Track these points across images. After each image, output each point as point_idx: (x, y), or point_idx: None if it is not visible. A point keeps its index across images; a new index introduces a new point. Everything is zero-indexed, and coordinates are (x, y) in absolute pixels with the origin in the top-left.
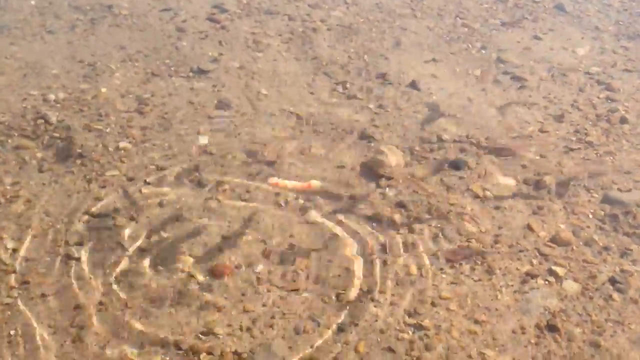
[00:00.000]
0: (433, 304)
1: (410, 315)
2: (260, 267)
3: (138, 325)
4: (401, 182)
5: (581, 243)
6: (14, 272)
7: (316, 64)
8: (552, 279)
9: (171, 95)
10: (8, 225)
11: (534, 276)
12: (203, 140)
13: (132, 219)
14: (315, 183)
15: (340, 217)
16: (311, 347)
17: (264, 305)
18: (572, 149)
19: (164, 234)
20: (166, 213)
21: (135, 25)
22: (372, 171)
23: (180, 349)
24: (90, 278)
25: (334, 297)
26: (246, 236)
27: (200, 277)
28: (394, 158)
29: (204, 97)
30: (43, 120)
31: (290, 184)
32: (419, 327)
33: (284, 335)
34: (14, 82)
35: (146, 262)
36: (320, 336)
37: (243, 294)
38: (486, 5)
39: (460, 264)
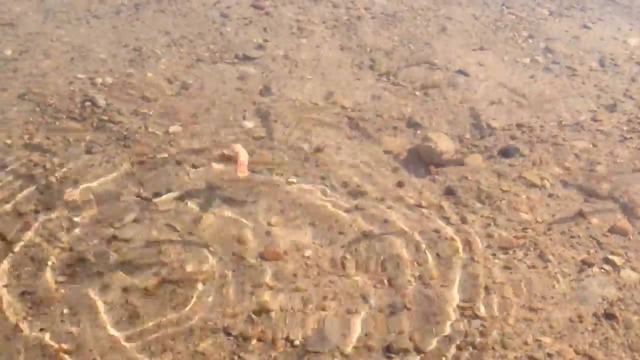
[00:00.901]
0: (487, 290)
1: (465, 301)
2: (309, 252)
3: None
4: (450, 169)
5: (638, 232)
6: (70, 250)
7: (361, 51)
8: (609, 267)
9: (217, 80)
10: (61, 206)
11: (590, 264)
12: (249, 124)
13: (179, 199)
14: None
15: (390, 203)
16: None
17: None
18: (625, 138)
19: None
20: (214, 195)
21: (179, 10)
22: (420, 158)
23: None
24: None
25: (385, 282)
26: (294, 221)
27: (252, 260)
28: (443, 145)
29: (250, 83)
30: (91, 104)
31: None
32: (474, 315)
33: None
34: (61, 65)
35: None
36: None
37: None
38: None
39: (514, 251)
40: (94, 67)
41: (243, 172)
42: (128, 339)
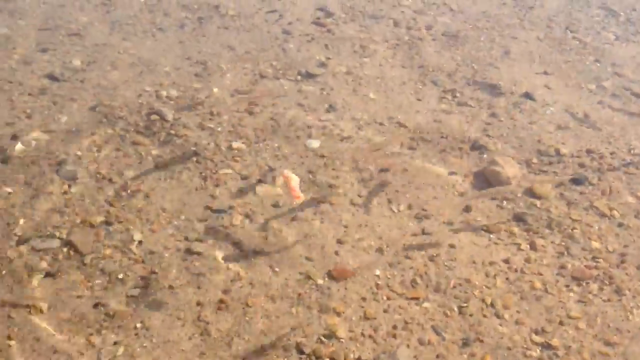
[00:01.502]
0: (561, 323)
1: (537, 333)
2: (378, 272)
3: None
4: (518, 195)
5: None
6: (142, 262)
7: (423, 71)
8: None
9: (280, 98)
10: (132, 218)
11: None
12: (314, 144)
13: (247, 216)
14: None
15: (456, 226)
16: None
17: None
18: None
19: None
20: (281, 213)
21: (242, 26)
22: (487, 182)
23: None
24: (210, 273)
25: (455, 309)
26: (361, 241)
27: (320, 280)
28: (510, 170)
29: (313, 101)
30: (158, 117)
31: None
32: (547, 345)
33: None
34: (129, 77)
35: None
36: (445, 349)
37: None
38: (597, 18)
39: (587, 283)
40: (160, 80)
41: (297, 197)
42: (201, 354)
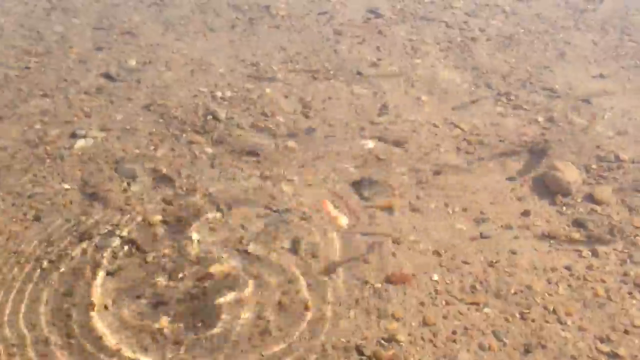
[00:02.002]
0: (626, 332)
1: (602, 341)
2: (436, 277)
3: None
4: (578, 201)
5: None
6: (198, 263)
7: (477, 73)
8: None
9: (332, 99)
10: (189, 217)
11: None
12: (369, 145)
13: (302, 218)
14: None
15: (516, 232)
16: None
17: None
18: None
19: None
20: (337, 212)
21: (293, 27)
22: (546, 187)
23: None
24: (267, 273)
25: (517, 315)
26: (418, 244)
27: (377, 284)
28: (570, 175)
29: (366, 102)
30: (212, 117)
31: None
32: (614, 355)
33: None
34: (182, 77)
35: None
36: (507, 355)
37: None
38: None
39: None
40: (214, 80)
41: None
42: (261, 356)
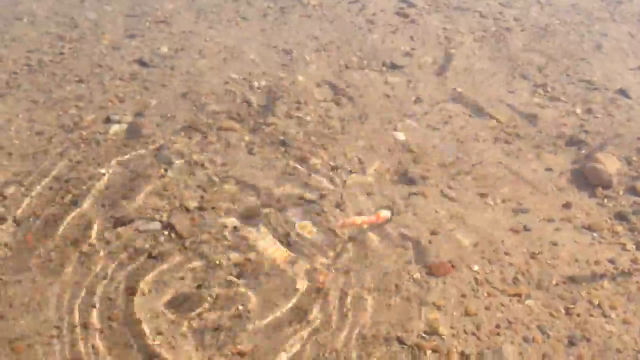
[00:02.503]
0: None
1: None
2: (476, 267)
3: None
4: (621, 193)
5: None
6: (237, 248)
7: (512, 64)
8: None
9: (366, 88)
10: (225, 205)
11: None
12: (401, 136)
13: (337, 206)
14: (385, 213)
15: (557, 224)
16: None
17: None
18: None
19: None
20: (371, 204)
21: (325, 16)
22: (585, 179)
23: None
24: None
25: (561, 308)
26: (456, 235)
27: (416, 274)
28: (611, 166)
29: (399, 92)
30: (247, 105)
31: (360, 219)
32: None
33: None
34: (215, 65)
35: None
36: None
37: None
38: None
39: None
40: (247, 68)
41: (378, 218)
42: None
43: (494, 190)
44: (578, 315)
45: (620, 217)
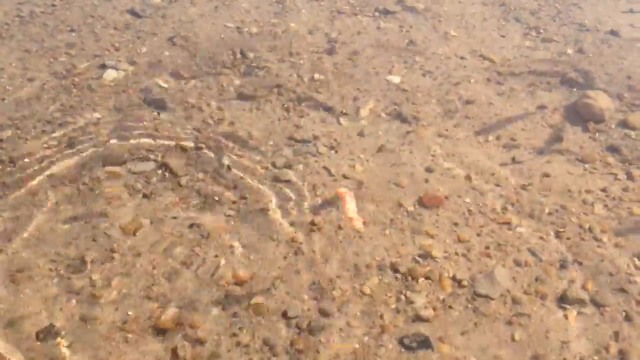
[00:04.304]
0: None
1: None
2: (468, 199)
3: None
4: (612, 127)
5: None
6: (234, 187)
7: (505, 8)
8: None
9: (359, 34)
10: (220, 145)
11: None
12: (395, 79)
13: (332, 147)
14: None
15: (549, 157)
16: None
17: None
18: None
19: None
20: (367, 143)
21: None
22: (578, 115)
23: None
24: (300, 199)
25: (552, 234)
26: (450, 170)
27: (410, 207)
28: (603, 102)
29: (392, 37)
30: (239, 51)
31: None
32: None
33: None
34: (206, 13)
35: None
36: (544, 271)
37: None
38: None
39: None
40: (239, 16)
41: (355, 225)
42: (297, 272)
43: (486, 128)
44: (568, 238)
45: (612, 149)
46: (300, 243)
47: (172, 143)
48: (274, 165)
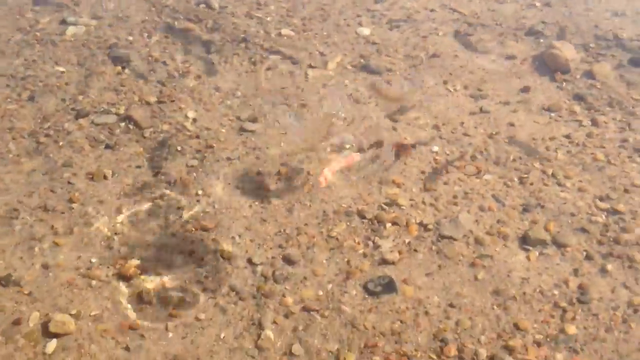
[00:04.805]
0: (626, 190)
1: (602, 199)
2: (436, 148)
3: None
4: (577, 77)
5: None
6: (197, 137)
7: None
8: None
9: None
10: (185, 98)
11: None
12: (365, 31)
13: (301, 105)
14: (355, 155)
15: (516, 106)
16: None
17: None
18: None
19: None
20: (329, 96)
21: None
22: (545, 65)
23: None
24: (267, 147)
25: (516, 180)
26: (417, 119)
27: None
28: (569, 53)
29: None
30: (205, 5)
31: (337, 165)
32: (613, 211)
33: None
34: None
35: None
36: (506, 214)
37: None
38: None
39: None
40: None
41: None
42: (262, 221)
43: (454, 79)
44: (531, 184)
45: (578, 97)
46: (268, 191)
47: (136, 97)
48: (238, 118)
